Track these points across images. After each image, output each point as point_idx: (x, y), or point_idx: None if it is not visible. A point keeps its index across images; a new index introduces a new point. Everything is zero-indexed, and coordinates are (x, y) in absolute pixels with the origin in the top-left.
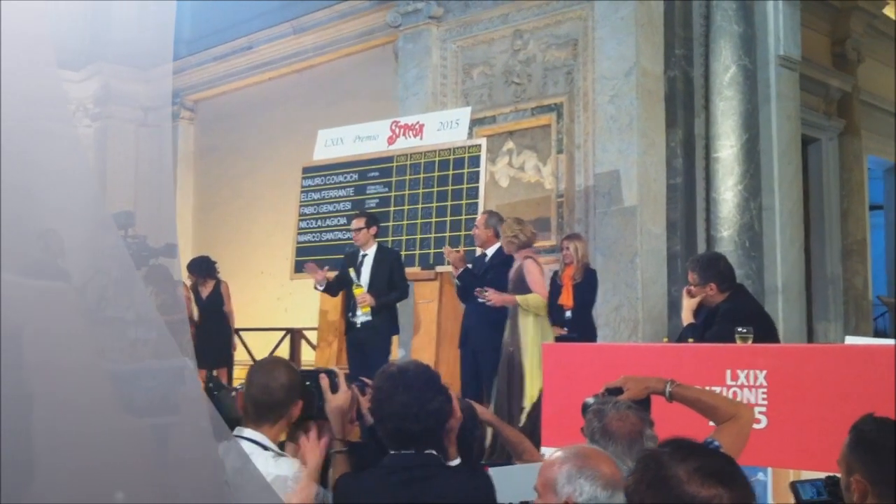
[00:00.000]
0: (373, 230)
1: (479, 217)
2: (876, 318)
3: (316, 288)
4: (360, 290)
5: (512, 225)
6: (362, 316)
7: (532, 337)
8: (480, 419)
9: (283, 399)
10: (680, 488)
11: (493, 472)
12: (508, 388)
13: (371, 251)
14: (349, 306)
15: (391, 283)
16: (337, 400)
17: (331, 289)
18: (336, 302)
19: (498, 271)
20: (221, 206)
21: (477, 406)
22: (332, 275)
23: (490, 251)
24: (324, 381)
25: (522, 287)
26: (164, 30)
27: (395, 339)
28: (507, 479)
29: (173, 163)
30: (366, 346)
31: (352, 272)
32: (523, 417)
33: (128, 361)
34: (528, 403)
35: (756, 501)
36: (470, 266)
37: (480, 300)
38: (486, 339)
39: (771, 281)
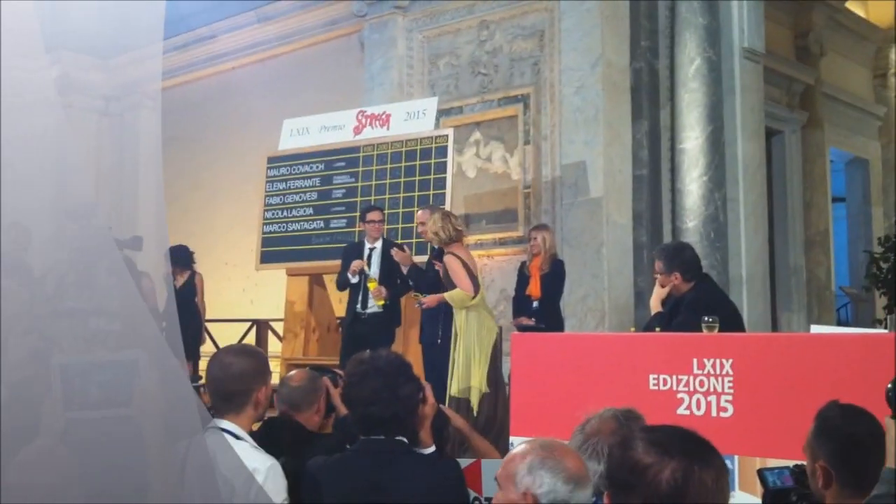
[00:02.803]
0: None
1: (420, 214)
2: (838, 309)
3: (350, 280)
4: (374, 284)
5: (437, 221)
6: (373, 308)
7: (462, 328)
8: (452, 426)
9: (241, 387)
10: (624, 455)
11: (485, 465)
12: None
13: (378, 245)
14: (356, 299)
15: (397, 276)
16: None
17: (345, 284)
18: (302, 293)
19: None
20: (184, 197)
21: (449, 412)
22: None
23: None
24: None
25: (451, 282)
26: (130, 17)
27: (396, 330)
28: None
29: (138, 154)
30: (370, 337)
31: (366, 267)
32: (474, 408)
33: (84, 353)
34: (456, 392)
35: (720, 479)
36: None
37: (416, 306)
38: (433, 334)
39: (735, 271)
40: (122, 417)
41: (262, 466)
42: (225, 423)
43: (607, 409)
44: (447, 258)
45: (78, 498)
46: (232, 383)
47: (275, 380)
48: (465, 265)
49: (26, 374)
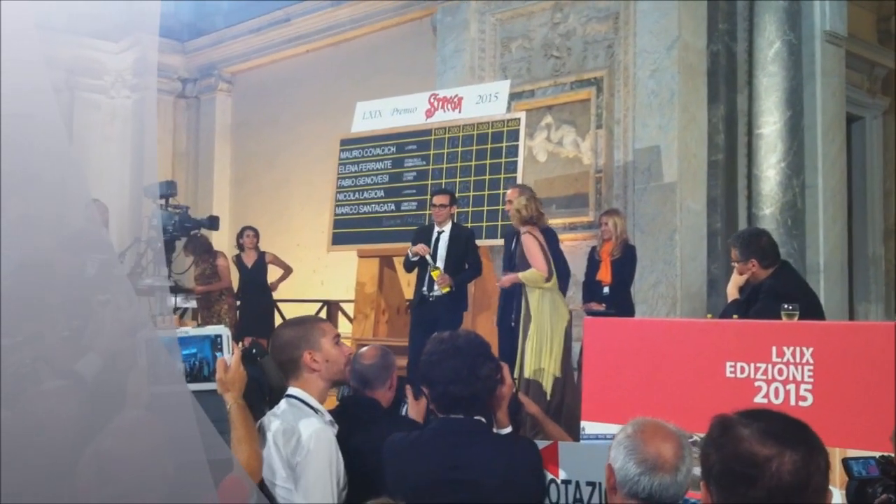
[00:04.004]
0: (453, 208)
1: (511, 192)
2: None
3: (410, 259)
4: (438, 273)
5: (522, 200)
6: (439, 291)
7: (536, 310)
8: (525, 411)
9: (286, 356)
10: (741, 446)
11: (562, 448)
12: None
13: (447, 228)
14: (422, 282)
15: (466, 261)
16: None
17: (409, 265)
18: (373, 274)
19: None
20: (257, 179)
21: (523, 398)
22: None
23: None
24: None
25: (527, 262)
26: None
27: (465, 315)
28: (575, 456)
29: (214, 135)
30: (437, 320)
31: (428, 256)
32: (548, 391)
33: (168, 329)
34: (529, 374)
35: (829, 463)
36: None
37: (498, 284)
38: (507, 316)
39: (813, 260)
40: (206, 391)
41: (306, 432)
42: (292, 389)
43: None
44: (525, 237)
45: (168, 467)
46: (279, 353)
47: None
48: (541, 247)
49: (119, 344)
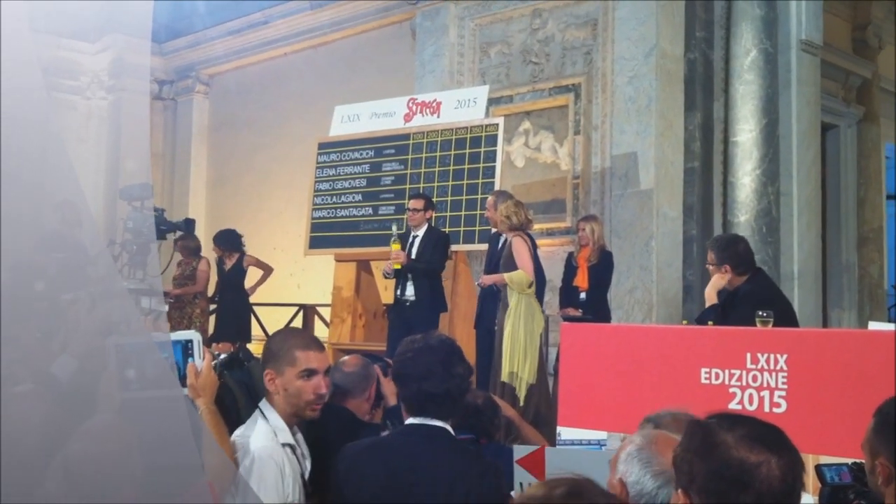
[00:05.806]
0: (429, 213)
1: (489, 199)
2: (890, 308)
3: (385, 276)
4: (397, 246)
5: (510, 206)
6: (411, 295)
7: (513, 315)
8: (502, 415)
9: (273, 348)
10: (728, 454)
11: (549, 453)
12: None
13: (421, 232)
14: (397, 285)
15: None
16: None
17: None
18: (350, 279)
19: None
20: (234, 181)
21: (500, 402)
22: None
23: None
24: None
25: (513, 265)
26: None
27: (442, 315)
28: (562, 461)
29: (191, 137)
30: (412, 322)
31: (394, 228)
32: (521, 398)
33: (141, 333)
34: (506, 379)
35: (804, 469)
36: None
37: (477, 284)
38: (495, 319)
39: (787, 267)
40: (177, 397)
41: (252, 447)
42: (262, 401)
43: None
44: (516, 240)
45: (136, 470)
46: (270, 341)
47: None
48: (530, 252)
49: (93, 346)
